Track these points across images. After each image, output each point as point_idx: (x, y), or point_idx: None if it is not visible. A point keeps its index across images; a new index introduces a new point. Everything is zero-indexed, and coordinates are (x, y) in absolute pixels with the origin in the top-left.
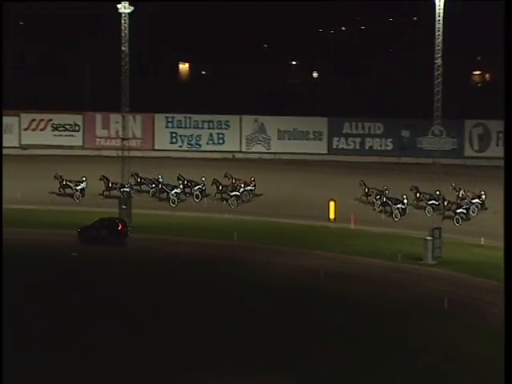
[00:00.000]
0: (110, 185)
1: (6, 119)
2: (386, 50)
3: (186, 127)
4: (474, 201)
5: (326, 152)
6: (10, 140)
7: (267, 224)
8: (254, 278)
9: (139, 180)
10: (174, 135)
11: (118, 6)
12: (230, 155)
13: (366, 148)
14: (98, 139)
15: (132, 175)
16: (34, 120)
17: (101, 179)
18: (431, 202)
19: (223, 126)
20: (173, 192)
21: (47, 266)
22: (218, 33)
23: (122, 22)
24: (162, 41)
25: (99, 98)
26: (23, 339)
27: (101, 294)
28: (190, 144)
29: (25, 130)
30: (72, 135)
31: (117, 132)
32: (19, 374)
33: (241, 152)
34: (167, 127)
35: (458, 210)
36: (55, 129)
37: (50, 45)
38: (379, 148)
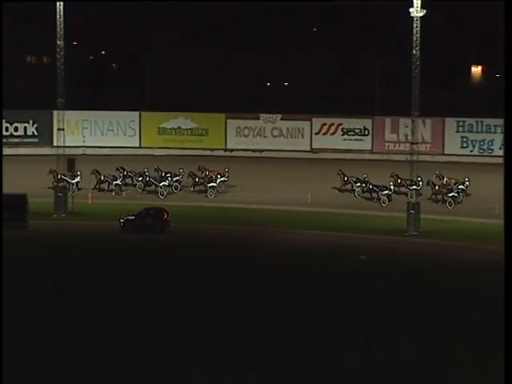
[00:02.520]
0: (102, 178)
1: (298, 123)
2: None
3: (477, 132)
4: (459, 187)
5: None
6: (301, 144)
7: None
8: None
9: (125, 173)
10: (464, 140)
11: (410, 9)
12: None
13: None
14: (386, 143)
15: (117, 169)
16: (324, 124)
17: (92, 173)
18: (413, 187)
19: None
20: (161, 184)
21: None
22: None
23: (414, 25)
24: (454, 43)
25: (388, 102)
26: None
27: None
28: (481, 149)
29: (316, 134)
30: (361, 139)
31: (406, 136)
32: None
33: None
34: (458, 131)
35: (450, 194)
36: (345, 133)
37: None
38: None
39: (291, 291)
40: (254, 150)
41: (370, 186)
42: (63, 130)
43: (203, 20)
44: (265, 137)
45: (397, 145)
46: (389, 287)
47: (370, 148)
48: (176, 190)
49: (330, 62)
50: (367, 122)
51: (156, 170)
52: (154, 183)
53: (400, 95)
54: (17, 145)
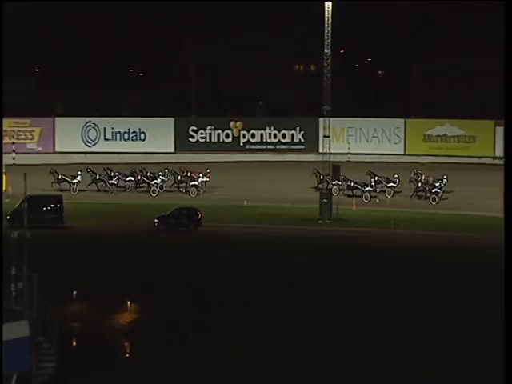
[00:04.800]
0: (98, 177)
1: None
2: None
3: None
4: (436, 184)
5: None
6: None
7: None
8: None
9: (112, 174)
10: None
11: None
12: None
13: None
14: None
15: (104, 170)
16: None
17: (87, 172)
18: (390, 184)
19: None
20: (153, 182)
21: None
22: None
23: None
24: None
25: None
26: None
27: None
28: None
29: None
30: None
31: None
32: None
33: None
34: None
35: (434, 190)
36: None
37: None
38: None
39: None
40: None
41: (352, 184)
42: (328, 136)
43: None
44: None
45: None
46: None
47: None
48: (161, 189)
49: None
50: None
51: (141, 170)
52: (146, 181)
53: None
54: (284, 151)
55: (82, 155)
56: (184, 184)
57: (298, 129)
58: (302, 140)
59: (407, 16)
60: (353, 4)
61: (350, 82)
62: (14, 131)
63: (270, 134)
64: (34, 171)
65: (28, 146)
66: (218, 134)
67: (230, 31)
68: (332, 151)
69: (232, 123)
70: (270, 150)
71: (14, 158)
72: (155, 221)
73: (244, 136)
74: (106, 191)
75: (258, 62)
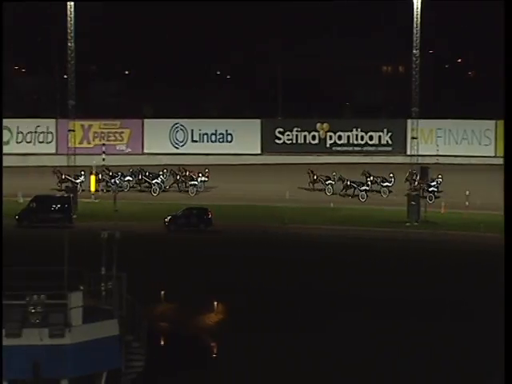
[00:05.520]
0: (100, 177)
1: None
2: None
3: None
4: (432, 183)
5: None
6: None
7: None
8: None
9: (111, 174)
10: None
11: None
12: None
13: None
14: None
15: (103, 170)
16: None
17: (90, 173)
18: (385, 184)
19: None
20: (153, 182)
21: None
22: None
23: None
24: None
25: None
26: None
27: None
28: None
29: None
30: None
31: None
32: None
33: None
34: None
35: (431, 189)
36: None
37: None
38: None
39: None
40: None
41: (348, 183)
42: (417, 138)
43: None
44: None
45: None
46: None
47: None
48: (160, 188)
49: None
50: None
51: (140, 170)
52: (147, 181)
53: None
54: (371, 153)
55: (170, 156)
56: (183, 183)
57: (385, 130)
58: (390, 142)
59: (498, 16)
60: (442, 4)
61: (438, 83)
62: (103, 133)
63: (356, 135)
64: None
65: (117, 148)
66: (305, 136)
67: (317, 32)
68: (420, 153)
69: (319, 125)
70: (357, 151)
71: (103, 160)
72: (165, 220)
73: (331, 138)
74: (108, 191)
75: (345, 64)
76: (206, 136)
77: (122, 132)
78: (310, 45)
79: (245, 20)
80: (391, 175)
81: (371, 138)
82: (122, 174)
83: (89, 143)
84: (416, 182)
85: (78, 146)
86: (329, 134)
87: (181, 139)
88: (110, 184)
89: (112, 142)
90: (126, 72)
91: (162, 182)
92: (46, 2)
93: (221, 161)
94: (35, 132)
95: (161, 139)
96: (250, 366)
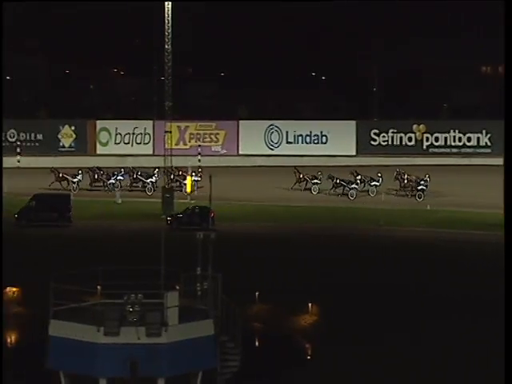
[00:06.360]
0: (96, 176)
1: None
2: None
3: None
4: (421, 182)
5: None
6: None
7: None
8: None
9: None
10: None
11: None
12: None
13: None
14: None
15: (93, 169)
16: None
17: (86, 172)
18: (373, 183)
19: None
20: (148, 181)
21: None
22: None
23: None
24: None
25: None
26: None
27: None
28: None
29: None
30: None
31: None
32: None
33: None
34: None
35: (419, 187)
36: None
37: None
38: None
39: None
40: None
41: (337, 181)
42: None
43: None
44: None
45: None
46: None
47: None
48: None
49: None
50: None
51: (133, 169)
52: (141, 180)
53: None
54: (470, 155)
55: (265, 158)
56: (177, 182)
57: (484, 132)
58: (489, 143)
59: None
60: None
61: None
62: (199, 134)
63: (454, 137)
64: (218, 173)
65: (213, 149)
66: (401, 137)
67: (416, 32)
68: None
69: (415, 126)
70: (455, 153)
71: (199, 161)
72: (168, 219)
73: (427, 139)
74: (105, 190)
75: (442, 64)
76: (300, 137)
77: (218, 133)
78: (407, 44)
79: (341, 19)
80: (379, 174)
81: (469, 139)
82: (115, 174)
83: (185, 144)
84: (405, 181)
85: (174, 147)
86: (425, 135)
87: (275, 140)
88: (106, 184)
89: (207, 144)
90: (222, 74)
91: (155, 181)
92: (151, 2)
93: (315, 162)
94: (133, 133)
95: (256, 140)
96: None
